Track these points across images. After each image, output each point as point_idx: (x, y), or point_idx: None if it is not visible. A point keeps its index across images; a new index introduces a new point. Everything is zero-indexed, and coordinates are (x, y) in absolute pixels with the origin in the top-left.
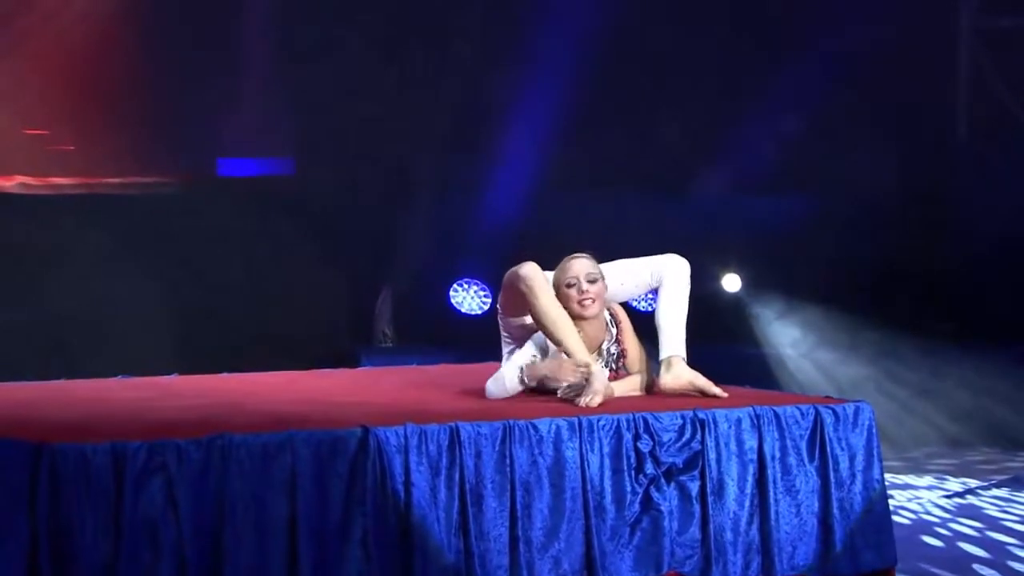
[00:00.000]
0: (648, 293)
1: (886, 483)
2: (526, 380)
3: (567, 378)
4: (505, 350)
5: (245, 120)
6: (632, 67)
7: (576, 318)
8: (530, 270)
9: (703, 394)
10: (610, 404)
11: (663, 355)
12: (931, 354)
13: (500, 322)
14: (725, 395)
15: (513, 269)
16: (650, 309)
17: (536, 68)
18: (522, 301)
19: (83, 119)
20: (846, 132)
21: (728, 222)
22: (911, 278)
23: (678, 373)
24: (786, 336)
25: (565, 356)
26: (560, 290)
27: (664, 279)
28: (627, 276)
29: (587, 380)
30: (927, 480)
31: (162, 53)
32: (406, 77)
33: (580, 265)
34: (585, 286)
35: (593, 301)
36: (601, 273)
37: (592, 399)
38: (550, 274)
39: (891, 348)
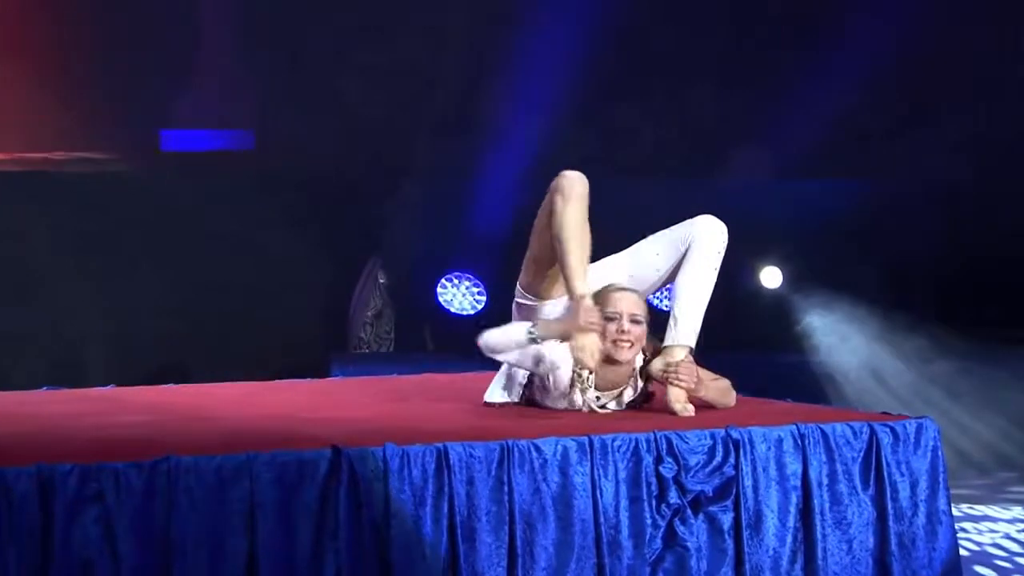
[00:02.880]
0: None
1: (955, 514)
2: (536, 336)
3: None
4: (516, 314)
5: (195, 86)
6: (661, 30)
7: (604, 358)
8: (578, 176)
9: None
10: (627, 421)
11: (670, 341)
12: (1004, 364)
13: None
14: (689, 413)
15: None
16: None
17: (543, 31)
18: (548, 216)
19: (8, 87)
20: (911, 107)
21: (768, 208)
22: (985, 276)
23: (682, 368)
24: (836, 341)
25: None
26: None
27: (692, 244)
28: (659, 258)
29: (582, 322)
30: (1015, 511)
31: (95, 13)
32: (392, 44)
33: (627, 300)
34: (627, 325)
35: (631, 345)
36: (646, 316)
37: (586, 356)
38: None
39: (959, 356)
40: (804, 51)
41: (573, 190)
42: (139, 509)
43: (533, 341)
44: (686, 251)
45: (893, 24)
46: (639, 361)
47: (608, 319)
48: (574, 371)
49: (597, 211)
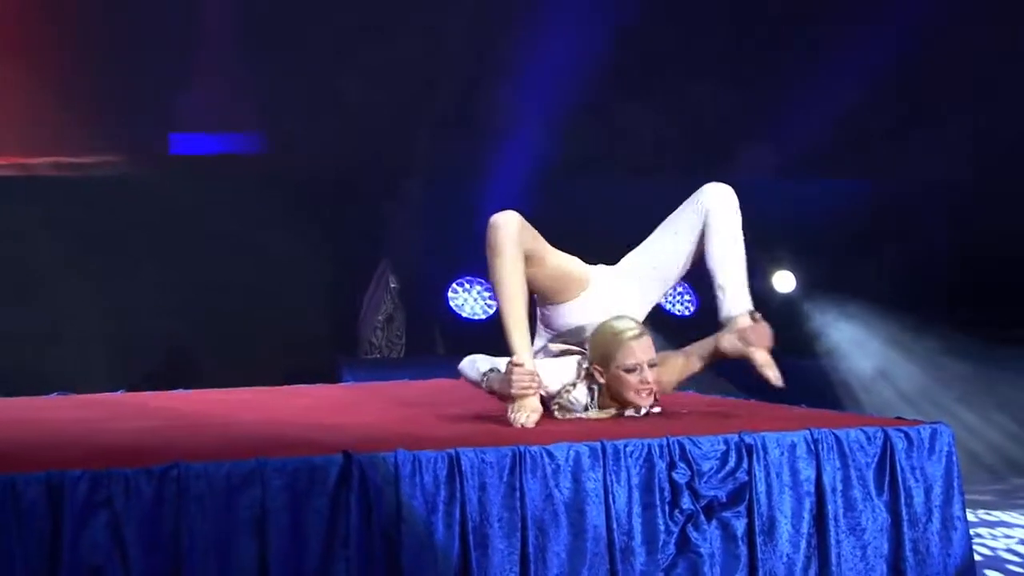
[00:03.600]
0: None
1: (970, 520)
2: (483, 385)
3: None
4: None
5: (203, 89)
6: (663, 28)
7: (623, 404)
8: (503, 220)
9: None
10: (640, 426)
11: (728, 313)
12: (1008, 365)
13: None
14: (779, 383)
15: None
16: (686, 314)
17: (548, 30)
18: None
19: (8, 88)
20: (915, 106)
21: (778, 210)
22: (993, 277)
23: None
24: (849, 345)
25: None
26: (611, 370)
27: (709, 215)
28: (678, 237)
29: (514, 390)
30: None
31: (104, 15)
32: (394, 43)
33: (645, 347)
34: (648, 375)
35: (650, 392)
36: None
37: (521, 416)
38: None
39: (973, 359)
40: (808, 50)
41: (498, 240)
42: (148, 515)
43: (477, 385)
44: (704, 224)
45: (896, 23)
46: None
47: (628, 371)
48: (561, 393)
49: (601, 210)
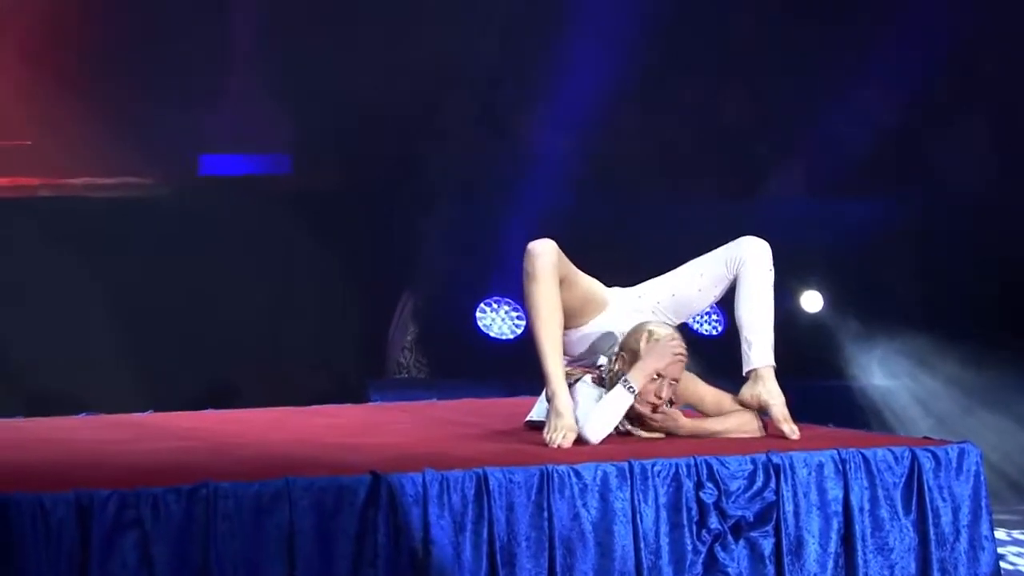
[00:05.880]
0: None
1: (1003, 539)
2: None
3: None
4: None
5: (232, 110)
6: (697, 43)
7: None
8: (541, 248)
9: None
10: (668, 446)
11: (749, 366)
12: None
13: None
14: (795, 436)
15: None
16: (713, 334)
17: (579, 42)
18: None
19: (42, 109)
20: (952, 124)
21: (808, 229)
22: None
23: (770, 389)
24: (877, 366)
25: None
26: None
27: (742, 269)
28: (703, 280)
29: (552, 432)
30: None
31: (134, 35)
32: (420, 57)
33: (678, 364)
34: (665, 390)
35: (654, 409)
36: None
37: (558, 437)
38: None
39: (1004, 380)
40: (835, 82)
41: (536, 269)
42: (177, 535)
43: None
44: (736, 276)
45: (926, 37)
46: None
47: (653, 378)
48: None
49: (631, 229)
